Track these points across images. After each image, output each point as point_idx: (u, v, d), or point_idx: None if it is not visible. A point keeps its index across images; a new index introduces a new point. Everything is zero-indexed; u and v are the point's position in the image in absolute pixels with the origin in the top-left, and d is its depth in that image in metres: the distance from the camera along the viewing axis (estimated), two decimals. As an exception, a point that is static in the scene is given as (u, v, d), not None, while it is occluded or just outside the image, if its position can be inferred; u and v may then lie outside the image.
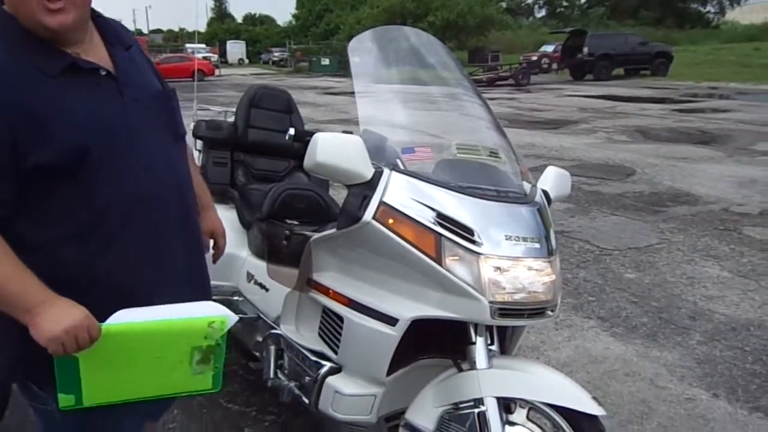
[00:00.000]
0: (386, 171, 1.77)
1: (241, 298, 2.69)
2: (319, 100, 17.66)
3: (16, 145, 1.20)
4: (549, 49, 28.19)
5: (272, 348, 2.22)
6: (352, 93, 1.97)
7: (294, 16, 63.00)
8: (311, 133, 1.79)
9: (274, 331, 2.25)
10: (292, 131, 1.93)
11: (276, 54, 51.36)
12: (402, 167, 1.82)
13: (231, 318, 1.38)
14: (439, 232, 1.70)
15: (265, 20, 75.78)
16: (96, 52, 1.36)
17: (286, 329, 2.17)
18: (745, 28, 40.12)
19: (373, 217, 1.73)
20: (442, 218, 1.71)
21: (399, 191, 1.75)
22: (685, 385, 2.85)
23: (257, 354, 2.55)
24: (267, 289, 2.50)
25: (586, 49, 24.05)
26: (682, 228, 5.21)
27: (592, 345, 3.23)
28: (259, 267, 2.57)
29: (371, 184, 1.75)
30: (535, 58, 26.82)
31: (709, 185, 6.66)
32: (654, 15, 45.75)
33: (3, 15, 1.26)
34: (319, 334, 2.06)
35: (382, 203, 1.73)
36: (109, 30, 1.42)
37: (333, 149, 1.72)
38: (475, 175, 1.90)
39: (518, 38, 40.26)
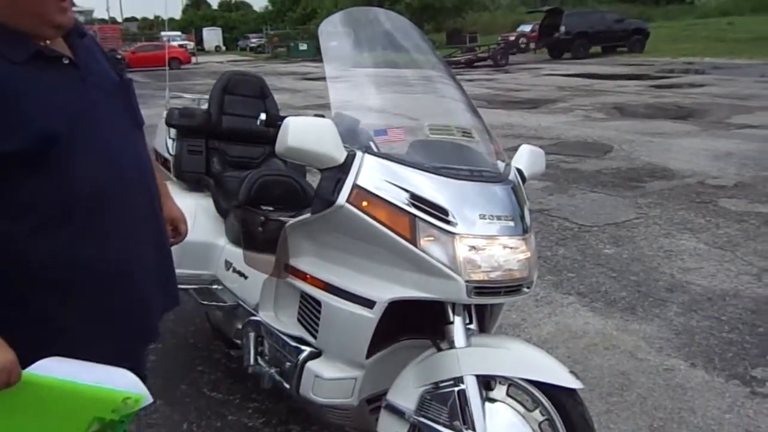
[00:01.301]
0: (359, 153, 1.76)
1: (220, 287, 2.68)
2: (297, 86, 17.52)
3: None
4: (527, 29, 28.14)
5: (252, 335, 2.22)
6: (326, 78, 1.95)
7: (270, 1, 62.30)
8: (283, 118, 1.77)
9: (253, 318, 2.24)
10: (263, 116, 1.91)
11: (253, 40, 50.79)
12: (375, 149, 1.82)
13: (147, 398, 1.34)
14: (413, 213, 1.70)
15: (242, 6, 74.86)
16: (56, 42, 1.36)
17: (265, 315, 2.17)
18: (718, 3, 40.28)
19: (347, 201, 1.72)
20: (416, 199, 1.71)
21: (372, 173, 1.74)
22: (663, 356, 2.90)
23: (238, 342, 2.54)
24: (246, 277, 2.50)
25: (563, 28, 24.04)
26: (659, 202, 5.26)
27: (572, 321, 3.27)
28: (237, 255, 2.56)
29: (344, 168, 1.75)
30: (512, 38, 26.79)
31: (685, 159, 6.73)
32: (630, -9, 45.79)
33: None
34: (298, 320, 2.06)
35: (355, 186, 1.73)
36: None
37: (304, 133, 1.71)
38: (449, 155, 1.90)
39: (496, 19, 40.18)
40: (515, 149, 2.19)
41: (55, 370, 1.27)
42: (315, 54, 35.29)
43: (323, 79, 1.95)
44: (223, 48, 55.71)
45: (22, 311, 1.32)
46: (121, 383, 1.33)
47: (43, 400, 1.27)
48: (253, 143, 3.07)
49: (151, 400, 1.36)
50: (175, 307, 1.68)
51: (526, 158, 2.15)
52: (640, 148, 7.44)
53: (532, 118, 10.19)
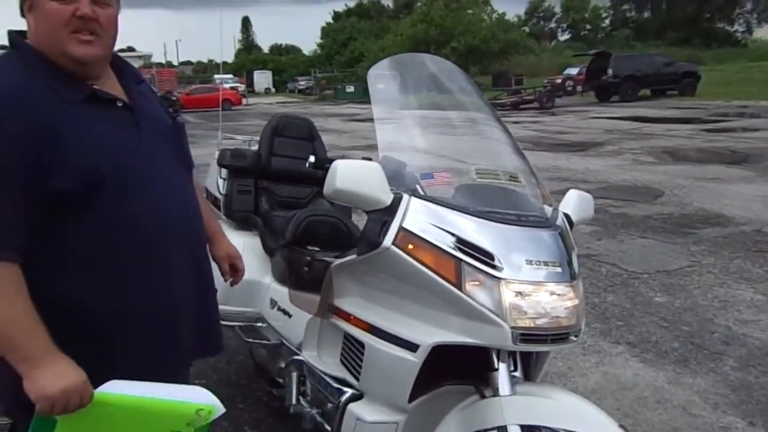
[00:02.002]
0: (405, 196, 1.77)
1: (264, 324, 2.71)
2: (343, 127, 17.84)
3: (35, 170, 1.23)
4: (573, 71, 28.16)
5: (294, 374, 2.22)
6: (374, 119, 1.99)
7: (319, 45, 64.17)
8: (331, 160, 1.81)
9: (296, 357, 2.25)
10: (312, 159, 1.95)
11: (302, 82, 52.17)
12: (421, 192, 1.83)
13: (219, 409, 1.36)
14: (458, 257, 1.69)
15: (291, 50, 77.23)
16: (112, 86, 1.41)
17: (308, 355, 2.17)
18: (773, 46, 39.58)
19: (393, 243, 1.73)
20: (462, 243, 1.70)
21: (418, 216, 1.75)
22: (719, 412, 2.77)
23: (280, 381, 2.54)
24: (290, 315, 2.51)
25: (611, 71, 23.93)
26: (713, 250, 5.10)
27: (621, 371, 3.16)
28: (283, 293, 2.58)
29: (390, 210, 1.76)
30: (559, 80, 26.85)
31: (741, 206, 6.52)
32: (679, 35, 45.47)
33: (28, 48, 1.33)
34: (341, 360, 2.05)
35: (401, 229, 1.73)
36: (122, 65, 1.49)
37: (352, 176, 1.74)
38: (495, 199, 1.89)
39: (542, 62, 40.33)
40: (561, 192, 2.17)
41: (125, 389, 1.29)
42: (361, 96, 36.00)
43: (369, 120, 1.99)
44: (273, 90, 57.36)
45: (62, 349, 1.32)
46: (191, 396, 1.35)
47: (117, 418, 1.29)
48: (300, 184, 3.13)
49: (224, 410, 1.37)
50: (218, 353, 1.69)
51: (574, 203, 2.12)
52: (692, 193, 7.26)
53: (579, 161, 10.09)
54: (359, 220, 2.63)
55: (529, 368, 1.96)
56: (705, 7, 49.95)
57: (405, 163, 1.93)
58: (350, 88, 38.14)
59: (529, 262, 1.71)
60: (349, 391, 1.95)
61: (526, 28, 52.23)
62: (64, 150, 1.25)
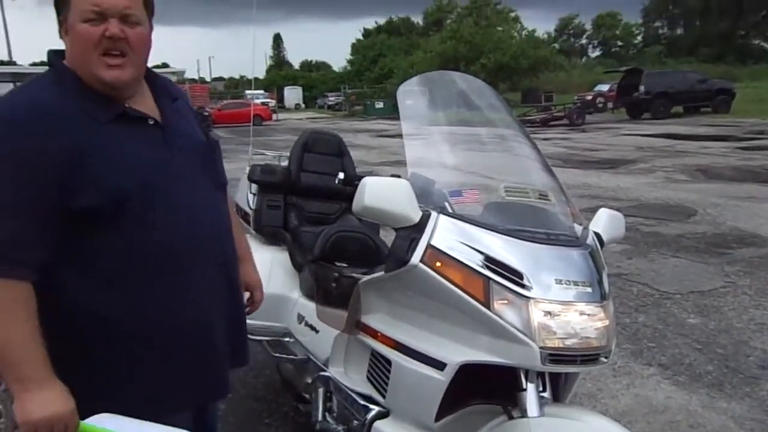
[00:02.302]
0: (434, 214, 1.77)
1: (291, 339, 2.72)
2: (372, 143, 17.93)
3: (63, 187, 1.25)
4: (604, 88, 27.90)
5: (321, 390, 2.22)
6: (402, 135, 2.00)
7: (349, 61, 64.72)
8: (360, 177, 1.82)
9: (323, 373, 2.25)
10: (341, 175, 1.97)
11: (331, 98, 52.65)
12: (450, 210, 1.83)
13: None
14: (487, 276, 1.68)
15: (321, 66, 78.09)
16: (145, 103, 1.43)
17: (334, 371, 2.17)
18: (811, 63, 38.74)
19: (421, 260, 1.73)
20: (491, 261, 1.69)
21: (446, 234, 1.74)
22: (755, 438, 2.69)
23: (307, 396, 2.55)
24: (317, 331, 2.52)
25: (642, 88, 23.62)
26: (748, 271, 4.97)
27: (653, 394, 3.09)
28: (310, 308, 2.60)
29: (419, 227, 1.76)
30: (589, 97, 26.58)
31: (777, 226, 6.36)
32: (713, 51, 44.83)
33: (62, 68, 1.36)
34: (368, 377, 2.05)
35: (429, 246, 1.73)
36: (157, 82, 1.50)
37: (380, 193, 1.75)
38: (524, 217, 1.88)
39: (572, 78, 40.11)
40: (592, 210, 2.15)
41: (111, 425, 1.26)
42: (390, 112, 36.16)
43: (398, 136, 2.00)
44: (303, 106, 57.96)
45: (86, 362, 1.35)
46: None
47: None
48: (329, 200, 3.14)
49: None
50: (243, 366, 1.68)
51: (605, 222, 2.10)
52: (726, 212, 7.11)
53: (610, 178, 9.97)
54: (387, 236, 2.63)
55: (557, 389, 1.93)
56: (740, 24, 49.21)
57: (434, 181, 1.94)
58: (379, 104, 38.36)
59: (559, 282, 1.69)
60: (375, 409, 1.95)
61: (556, 45, 52.04)
62: (91, 169, 1.27)
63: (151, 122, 1.40)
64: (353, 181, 1.85)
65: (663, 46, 52.52)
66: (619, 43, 60.70)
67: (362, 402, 2.00)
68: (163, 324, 1.39)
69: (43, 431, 1.23)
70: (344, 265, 2.51)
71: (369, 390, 2.01)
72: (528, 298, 1.66)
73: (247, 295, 1.81)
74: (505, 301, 1.68)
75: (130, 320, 1.35)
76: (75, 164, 1.25)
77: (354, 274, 2.24)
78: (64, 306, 1.31)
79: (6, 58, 38.89)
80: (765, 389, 3.10)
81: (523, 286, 1.67)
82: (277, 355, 2.71)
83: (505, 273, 1.68)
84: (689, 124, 20.69)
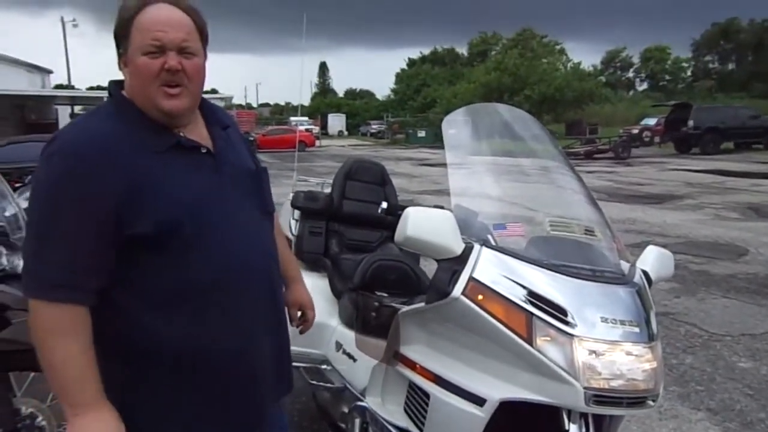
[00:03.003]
0: (476, 246, 1.76)
1: (329, 367, 2.71)
2: (414, 171, 17.96)
3: (119, 216, 1.28)
4: (651, 122, 27.46)
5: (357, 421, 2.20)
6: (447, 165, 2.00)
7: (393, 90, 65.42)
8: (403, 207, 1.82)
9: (359, 403, 2.23)
10: (384, 205, 1.97)
11: (374, 126, 53.18)
12: (493, 243, 1.81)
13: None
14: (530, 311, 1.65)
15: (365, 95, 79.15)
16: (198, 131, 1.47)
17: (372, 402, 2.15)
18: None
19: (463, 293, 1.71)
20: (534, 296, 1.66)
21: (489, 267, 1.72)
22: (812, 494, 2.53)
23: (342, 425, 2.53)
24: (355, 360, 2.51)
25: (691, 122, 23.17)
26: (803, 315, 4.76)
27: (701, 440, 2.96)
28: (349, 337, 2.59)
29: (461, 260, 1.74)
30: (636, 131, 26.18)
31: (834, 269, 6.09)
32: (765, 88, 43.70)
33: (122, 98, 1.41)
34: (405, 409, 2.02)
35: (471, 279, 1.71)
36: (210, 111, 1.54)
37: (424, 224, 1.74)
38: (569, 252, 1.85)
39: (618, 111, 39.59)
40: (637, 246, 2.10)
41: None
42: (432, 141, 36.27)
43: (440, 165, 2.01)
44: (345, 133, 58.68)
45: (134, 385, 1.37)
46: None
47: None
48: (370, 228, 3.15)
49: None
50: (288, 394, 1.69)
51: (653, 260, 2.04)
52: (779, 252, 6.85)
53: (656, 213, 9.74)
54: (426, 266, 2.60)
55: (600, 431, 1.86)
56: (794, 59, 47.95)
57: (477, 212, 1.93)
58: (422, 133, 38.54)
59: (605, 320, 1.65)
60: (411, 443, 1.91)
61: (603, 78, 51.58)
62: (146, 199, 1.30)
63: (204, 151, 1.43)
64: (396, 211, 1.84)
65: (713, 80, 51.51)
66: (668, 77, 59.81)
67: (398, 434, 1.97)
68: (208, 352, 1.40)
69: None
70: (384, 294, 2.50)
71: (406, 422, 1.98)
72: (572, 335, 1.62)
73: (299, 314, 1.84)
74: (548, 338, 1.64)
75: (177, 345, 1.37)
76: (131, 194, 1.29)
77: (394, 304, 2.22)
78: (117, 328, 1.33)
79: (65, 81, 40.65)
80: (822, 442, 2.93)
81: (567, 323, 1.63)
82: (314, 382, 2.70)
83: (549, 309, 1.65)
84: (740, 160, 20.14)
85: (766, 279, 5.81)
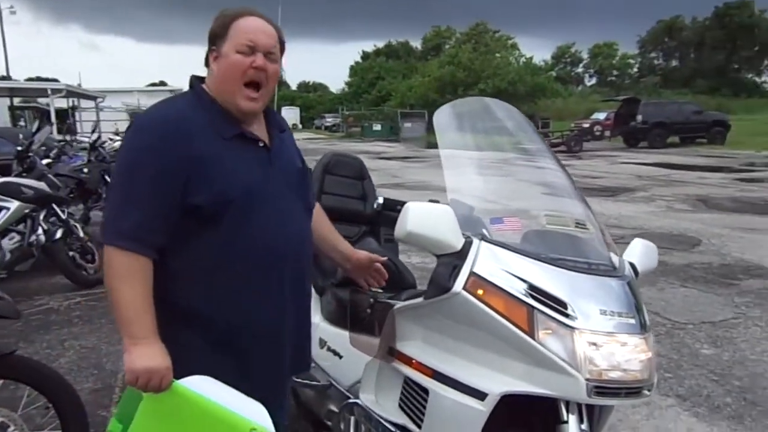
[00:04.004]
0: (476, 241, 1.76)
1: (312, 365, 2.67)
2: (371, 165, 17.75)
3: (186, 185, 1.51)
4: (601, 116, 28.09)
5: (350, 419, 2.18)
6: (404, 158, 2.04)
7: (347, 83, 65.07)
8: (401, 203, 1.81)
9: (352, 400, 2.21)
10: (381, 200, 1.95)
11: (329, 119, 52.89)
12: (490, 237, 1.81)
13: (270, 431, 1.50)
14: (531, 305, 1.66)
15: (319, 87, 78.47)
16: (260, 130, 1.70)
17: (365, 399, 2.12)
18: (804, 97, 39.22)
19: (464, 288, 1.71)
20: (534, 290, 1.67)
21: (489, 262, 1.73)
22: (780, 474, 2.65)
23: (328, 422, 2.50)
24: (341, 356, 2.48)
25: (639, 117, 23.87)
26: (758, 302, 4.96)
27: (674, 425, 3.06)
28: (333, 333, 2.56)
29: (461, 254, 1.74)
30: (587, 125, 26.75)
31: (782, 258, 6.37)
32: (708, 84, 45.42)
33: (201, 89, 1.65)
34: (400, 406, 2.01)
35: (472, 273, 1.72)
36: (272, 116, 1.77)
37: (424, 219, 1.73)
38: (565, 246, 1.87)
39: (568, 106, 40.39)
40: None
41: (201, 387, 1.50)
42: (388, 134, 36.36)
43: (396, 158, 2.04)
44: (300, 126, 58.12)
45: (176, 338, 1.54)
46: (250, 413, 1.50)
47: (188, 412, 1.50)
48: (350, 222, 3.12)
49: None
50: (306, 370, 1.96)
51: (640, 253, 2.10)
52: (730, 243, 7.12)
53: (611, 206, 9.99)
54: (407, 261, 2.60)
55: (592, 421, 1.89)
56: (733, 58, 49.95)
57: (473, 207, 1.93)
58: (377, 126, 38.57)
59: (603, 312, 1.68)
60: (409, 438, 1.90)
61: (553, 73, 52.58)
62: (207, 173, 1.52)
63: (261, 145, 1.66)
64: (394, 207, 1.83)
65: (659, 76, 53.15)
66: (615, 73, 61.41)
67: (394, 431, 1.96)
68: (242, 320, 1.61)
69: (142, 380, 1.47)
70: (379, 291, 2.47)
71: (402, 419, 1.97)
72: (573, 328, 1.64)
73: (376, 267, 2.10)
74: (550, 331, 1.65)
75: (212, 311, 1.58)
76: (198, 168, 1.52)
77: (389, 300, 2.21)
78: (163, 288, 1.53)
79: (3, 72, 38.93)
80: (785, 423, 3.07)
81: (567, 315, 1.65)
82: (298, 380, 2.66)
83: (550, 302, 1.66)
84: (686, 154, 20.87)
85: (720, 268, 6.04)
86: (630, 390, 1.68)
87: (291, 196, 1.69)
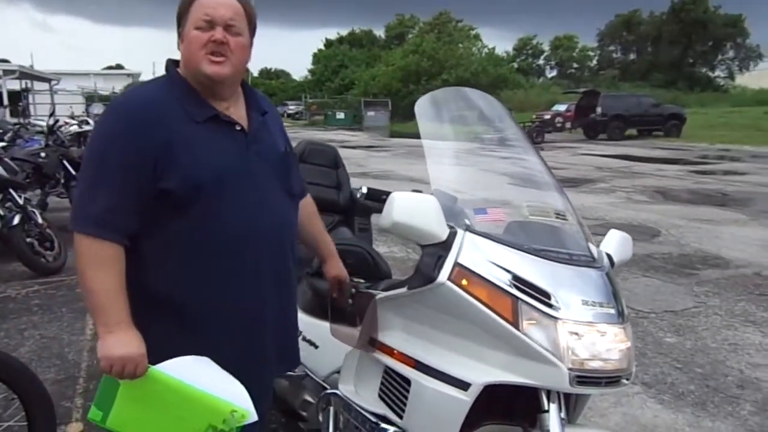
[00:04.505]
0: (460, 232, 1.76)
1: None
2: (336, 153, 17.85)
3: (155, 170, 1.48)
4: (562, 108, 28.49)
5: (330, 409, 2.16)
6: (368, 147, 2.05)
7: (310, 71, 64.47)
8: (386, 192, 1.79)
9: (330, 391, 2.19)
10: (364, 189, 1.94)
11: (291, 107, 52.32)
12: (474, 228, 1.81)
13: (252, 416, 1.51)
14: (515, 295, 1.67)
15: (281, 74, 77.52)
16: (237, 112, 1.64)
17: (345, 389, 2.11)
18: (754, 92, 40.57)
19: (448, 278, 1.70)
20: (518, 281, 1.68)
21: (474, 252, 1.73)
22: (741, 458, 2.75)
23: (303, 413, 2.48)
24: (317, 347, 2.46)
25: (599, 109, 24.33)
26: (716, 292, 5.13)
27: (641, 412, 3.14)
28: (309, 323, 2.53)
29: (446, 245, 1.74)
30: (548, 116, 27.11)
31: (738, 248, 6.59)
32: (664, 78, 46.52)
33: (175, 73, 1.61)
34: (380, 396, 2.00)
35: (456, 264, 1.71)
36: (252, 97, 1.71)
37: (409, 209, 1.72)
38: (546, 237, 1.88)
39: (530, 97, 40.83)
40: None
41: (177, 371, 1.50)
42: (351, 123, 36.19)
43: (360, 147, 2.04)
44: (262, 113, 57.26)
45: (144, 329, 1.52)
46: (231, 395, 1.50)
47: (167, 397, 1.50)
48: (323, 212, 3.07)
49: (256, 418, 1.52)
50: (295, 368, 1.91)
51: (616, 243, 2.13)
52: (688, 233, 7.34)
53: (573, 197, 9.97)
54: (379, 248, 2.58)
55: (569, 410, 1.92)
56: (688, 53, 51.26)
57: (456, 197, 1.92)
58: (340, 115, 38.37)
59: (585, 303, 1.70)
60: (391, 429, 1.90)
61: (515, 64, 53.10)
62: (178, 158, 1.49)
63: (238, 128, 1.61)
64: (379, 196, 1.82)
65: (617, 69, 54.21)
66: (575, 65, 62.38)
67: (375, 420, 1.96)
68: (223, 306, 1.58)
69: (117, 368, 1.46)
70: (361, 281, 2.46)
71: (382, 409, 1.96)
72: (556, 318, 1.65)
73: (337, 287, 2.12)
74: (533, 321, 1.66)
75: (184, 297, 1.55)
76: (168, 152, 1.49)
77: (371, 291, 2.19)
78: (136, 273, 1.52)
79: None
80: (745, 408, 3.18)
81: (550, 305, 1.66)
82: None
83: (533, 293, 1.67)
84: (643, 146, 21.38)
85: (679, 258, 6.22)
86: (610, 379, 1.70)
87: (271, 181, 1.65)
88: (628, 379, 1.76)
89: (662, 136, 24.99)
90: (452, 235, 1.75)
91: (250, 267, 1.60)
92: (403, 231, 1.73)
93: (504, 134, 2.27)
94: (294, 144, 3.13)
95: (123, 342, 1.46)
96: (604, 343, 1.69)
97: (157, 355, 1.52)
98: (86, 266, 1.47)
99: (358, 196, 1.93)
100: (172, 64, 1.64)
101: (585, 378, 1.66)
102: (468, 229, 1.78)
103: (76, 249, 1.49)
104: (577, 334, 1.66)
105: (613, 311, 1.73)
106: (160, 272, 1.55)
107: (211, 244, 1.55)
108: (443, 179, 1.96)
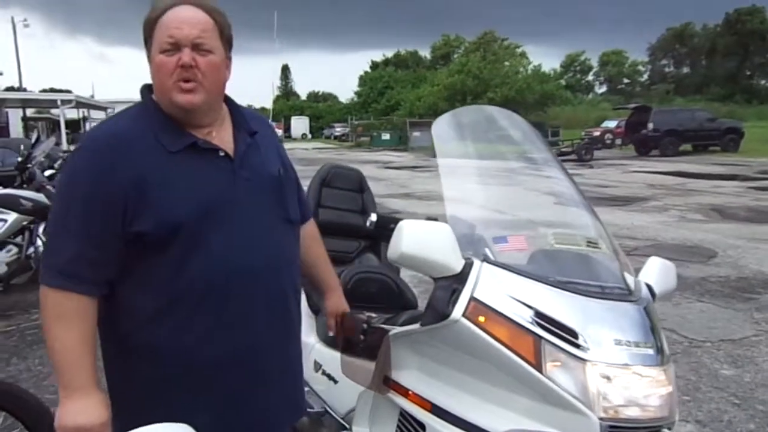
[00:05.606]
0: (477, 262, 1.60)
1: (306, 389, 2.52)
2: (380, 174, 17.82)
3: (125, 214, 1.33)
4: (611, 124, 27.90)
5: (343, 452, 2.02)
6: (413, 167, 1.89)
7: (356, 93, 65.16)
8: (395, 220, 1.65)
9: (347, 431, 2.05)
10: (374, 217, 1.81)
11: (338, 129, 52.94)
12: (493, 258, 1.66)
13: None
14: (538, 334, 1.50)
15: (329, 97, 78.71)
16: (222, 136, 1.47)
17: (358, 431, 1.97)
18: (818, 104, 38.79)
19: (463, 315, 1.55)
20: (542, 318, 1.51)
21: (492, 286, 1.57)
22: None
23: (322, 453, 2.35)
24: (336, 381, 2.33)
25: (651, 125, 23.65)
26: (778, 318, 4.76)
27: (693, 454, 2.87)
28: (328, 356, 2.40)
29: (461, 277, 1.59)
30: (597, 133, 26.55)
31: (802, 271, 6.15)
32: (721, 91, 45.05)
33: (149, 99, 1.45)
34: (396, 440, 1.85)
35: (472, 299, 1.56)
36: (239, 116, 1.54)
37: (420, 239, 1.58)
38: (575, 267, 1.71)
39: (578, 114, 40.17)
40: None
41: None
42: (396, 143, 36.25)
43: (405, 168, 1.88)
44: (309, 136, 58.21)
45: (130, 379, 1.42)
46: None
47: None
48: (348, 237, 2.98)
49: None
50: (300, 418, 1.69)
51: (657, 272, 1.92)
52: (747, 254, 6.91)
53: (623, 216, 9.79)
54: (407, 278, 2.45)
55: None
56: (745, 65, 49.58)
57: (474, 225, 1.77)
58: (386, 136, 38.48)
59: (618, 342, 1.52)
60: (406, 478, 1.74)
61: (563, 81, 52.37)
62: (151, 198, 1.34)
63: (222, 154, 1.44)
64: (387, 225, 1.68)
65: (670, 84, 52.83)
66: (626, 81, 61.13)
67: (390, 468, 1.80)
68: (207, 353, 1.41)
69: None
70: (373, 315, 2.32)
71: (398, 455, 1.81)
72: (584, 360, 1.48)
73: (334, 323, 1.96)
74: (558, 363, 1.49)
75: (173, 345, 1.39)
76: (139, 191, 1.33)
77: (384, 325, 2.05)
78: (115, 321, 1.40)
79: (16, 84, 39.30)
80: (814, 452, 2.88)
81: (578, 346, 1.49)
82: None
83: (558, 331, 1.50)
84: (699, 162, 20.60)
85: (737, 282, 5.83)
86: (648, 429, 1.51)
87: (264, 209, 1.48)
88: (670, 429, 1.56)
89: (719, 152, 24.09)
90: (468, 267, 1.60)
91: (241, 309, 1.43)
92: (412, 263, 1.59)
93: (529, 153, 2.12)
94: (323, 167, 3.07)
95: (81, 410, 1.31)
96: (641, 388, 1.50)
97: (138, 412, 1.39)
98: (47, 321, 1.33)
99: (368, 225, 1.79)
100: (146, 90, 1.48)
101: (619, 428, 1.48)
102: (486, 259, 1.62)
103: (40, 302, 1.36)
104: (609, 377, 1.49)
105: (651, 351, 1.55)
106: (138, 319, 1.39)
107: (195, 287, 1.38)
108: (460, 201, 1.82)
